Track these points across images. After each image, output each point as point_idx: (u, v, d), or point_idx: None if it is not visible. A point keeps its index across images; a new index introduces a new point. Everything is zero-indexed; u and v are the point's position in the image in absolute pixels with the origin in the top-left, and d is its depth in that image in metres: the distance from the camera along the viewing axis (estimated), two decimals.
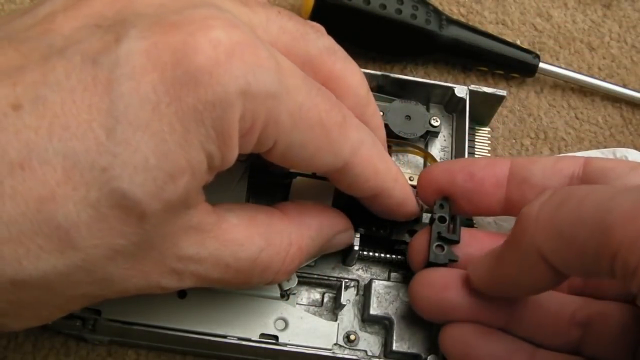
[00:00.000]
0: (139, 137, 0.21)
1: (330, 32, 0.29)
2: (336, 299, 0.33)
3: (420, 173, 0.32)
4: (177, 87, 0.22)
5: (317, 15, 0.40)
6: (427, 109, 0.37)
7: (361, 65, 0.31)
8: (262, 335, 0.31)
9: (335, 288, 0.34)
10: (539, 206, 0.24)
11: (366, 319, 0.33)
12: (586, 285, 0.30)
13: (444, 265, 0.30)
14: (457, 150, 0.37)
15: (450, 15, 0.43)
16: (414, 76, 0.41)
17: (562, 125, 0.43)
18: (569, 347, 0.29)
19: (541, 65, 0.43)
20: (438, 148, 0.37)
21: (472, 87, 0.37)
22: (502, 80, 0.44)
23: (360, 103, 0.29)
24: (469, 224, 0.35)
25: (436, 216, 0.31)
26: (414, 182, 0.33)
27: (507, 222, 0.35)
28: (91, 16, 0.24)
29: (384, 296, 0.32)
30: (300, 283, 0.32)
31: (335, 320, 0.33)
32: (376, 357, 0.32)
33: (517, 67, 0.43)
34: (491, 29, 0.45)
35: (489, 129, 0.39)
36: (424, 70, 0.44)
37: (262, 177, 0.33)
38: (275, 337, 0.31)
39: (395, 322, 0.32)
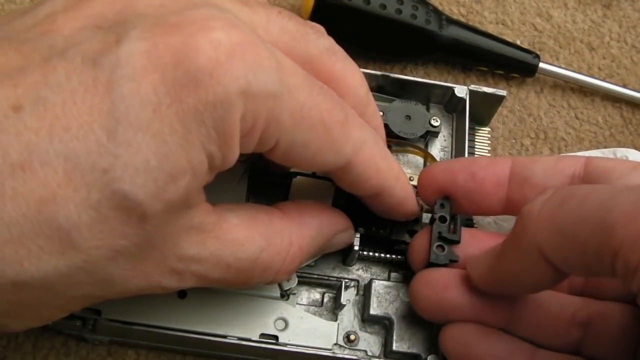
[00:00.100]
0: (140, 138, 0.21)
1: (330, 32, 0.29)
2: (336, 299, 0.33)
3: (421, 172, 0.32)
4: (177, 88, 0.22)
5: (317, 15, 0.40)
6: (427, 109, 0.37)
7: (361, 65, 0.31)
8: (262, 335, 0.31)
9: (335, 288, 0.34)
10: (540, 204, 0.24)
11: (366, 319, 0.33)
12: (586, 286, 0.30)
13: (445, 265, 0.30)
14: (457, 150, 0.37)
15: (450, 15, 0.42)
16: (414, 76, 0.41)
17: (562, 125, 0.43)
18: (569, 348, 0.29)
19: (541, 65, 0.43)
20: (438, 148, 0.37)
21: (472, 87, 0.37)
22: (502, 80, 0.44)
23: (360, 103, 0.29)
24: (469, 224, 0.35)
25: (437, 216, 0.31)
26: (414, 182, 0.33)
27: (508, 222, 0.35)
28: (92, 17, 0.24)
29: (384, 296, 0.32)
30: (300, 283, 0.32)
31: (335, 320, 0.33)
32: (376, 357, 0.32)
33: (517, 67, 0.43)
34: (491, 29, 0.45)
35: (489, 129, 0.39)
36: (424, 70, 0.44)
37: (262, 177, 0.33)
38: (275, 337, 0.31)
39: (395, 322, 0.32)
